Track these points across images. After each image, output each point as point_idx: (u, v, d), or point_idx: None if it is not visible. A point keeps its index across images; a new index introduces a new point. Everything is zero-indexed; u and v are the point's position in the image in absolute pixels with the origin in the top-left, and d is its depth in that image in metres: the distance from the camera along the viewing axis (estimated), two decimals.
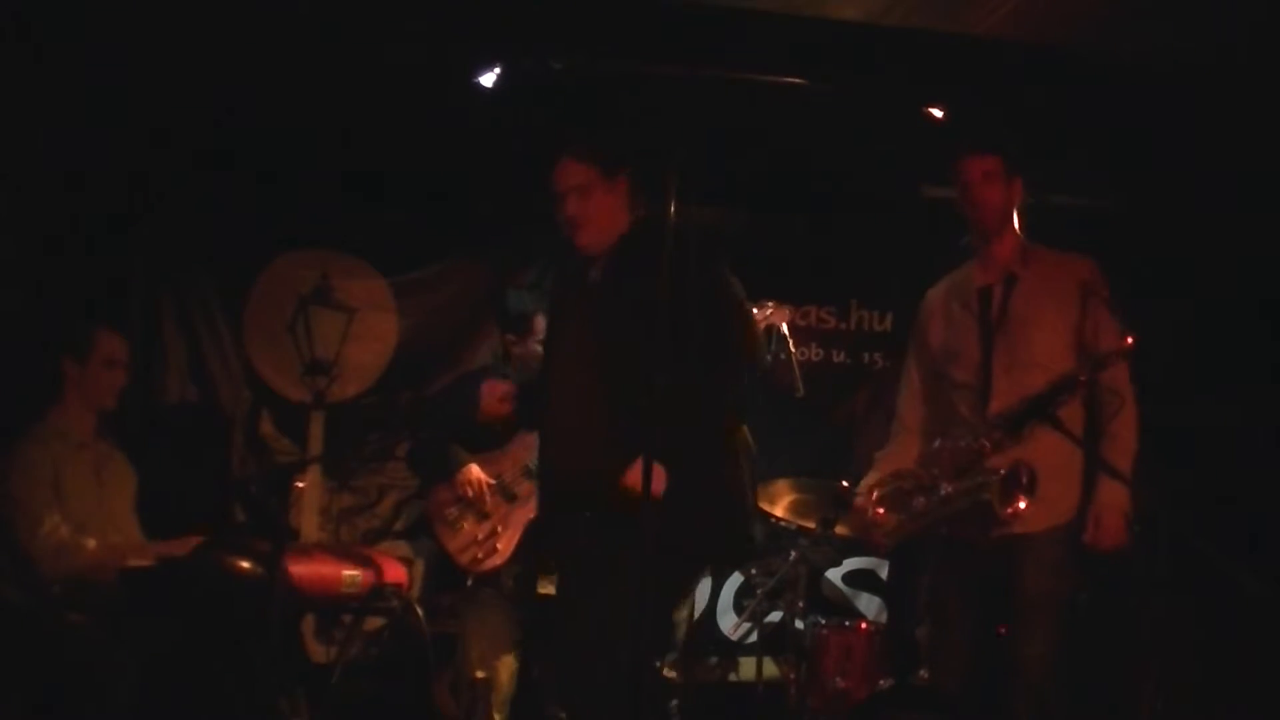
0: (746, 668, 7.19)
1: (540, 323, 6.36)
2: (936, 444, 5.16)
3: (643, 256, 4.46)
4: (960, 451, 5.01)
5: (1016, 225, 5.22)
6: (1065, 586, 5.07)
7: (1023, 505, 4.86)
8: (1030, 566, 4.99)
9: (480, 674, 6.48)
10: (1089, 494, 5.01)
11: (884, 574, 7.73)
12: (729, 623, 7.39)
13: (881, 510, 5.19)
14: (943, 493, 5.03)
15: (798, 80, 6.25)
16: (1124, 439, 5.00)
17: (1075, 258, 5.16)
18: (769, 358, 6.01)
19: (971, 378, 5.10)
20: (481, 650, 6.52)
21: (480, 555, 6.48)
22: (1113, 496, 4.97)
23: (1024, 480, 4.87)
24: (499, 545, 6.46)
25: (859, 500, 5.31)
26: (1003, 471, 4.89)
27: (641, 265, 4.46)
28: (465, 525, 6.52)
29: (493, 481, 6.52)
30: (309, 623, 6.76)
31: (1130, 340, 4.78)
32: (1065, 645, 5.02)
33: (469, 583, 6.57)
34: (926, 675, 6.04)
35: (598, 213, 4.72)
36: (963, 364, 5.16)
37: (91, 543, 5.55)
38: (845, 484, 6.40)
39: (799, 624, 6.46)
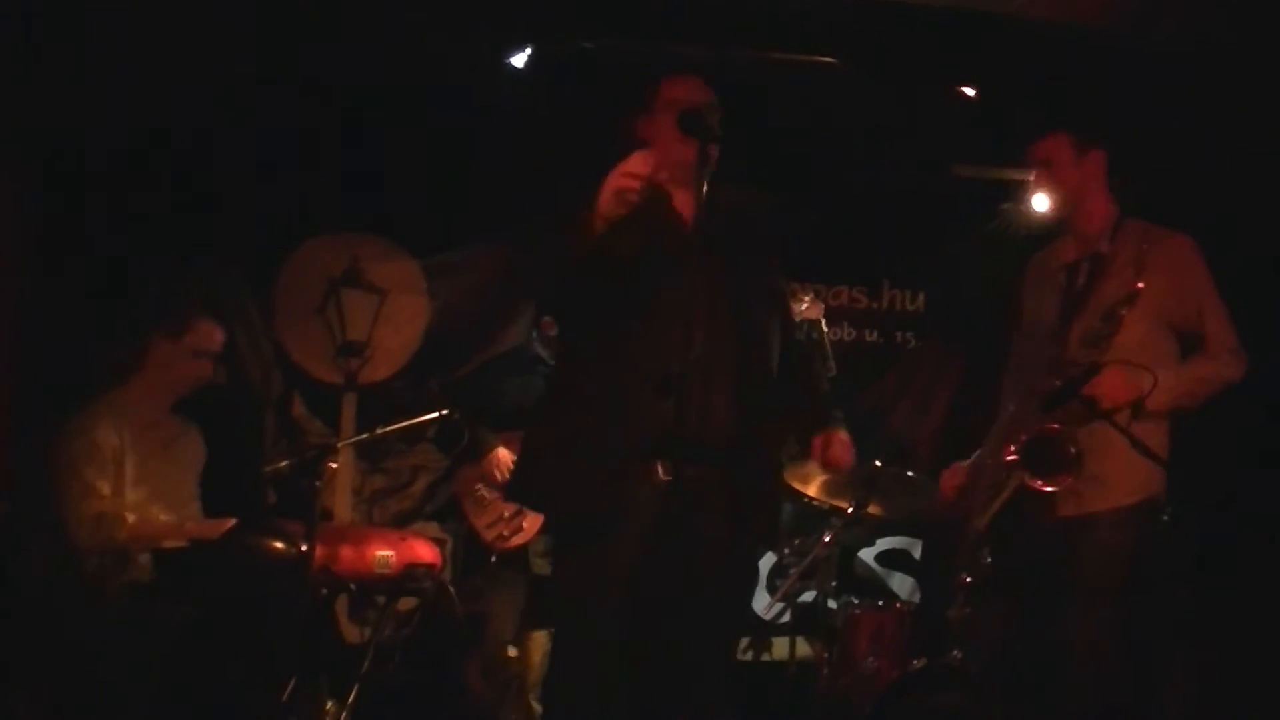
0: (779, 647, 7.18)
1: None
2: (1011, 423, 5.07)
3: (729, 207, 4.39)
4: (1024, 428, 4.93)
5: (1106, 198, 5.11)
6: (1120, 572, 4.88)
7: (1067, 481, 4.76)
8: (1086, 550, 4.85)
9: (512, 653, 6.50)
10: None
11: (917, 554, 7.72)
12: (762, 603, 7.38)
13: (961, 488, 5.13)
14: (1006, 473, 4.95)
15: (828, 60, 6.25)
16: (1202, 373, 4.90)
17: (1175, 237, 5.02)
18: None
19: (1051, 353, 5.00)
20: (511, 629, 6.54)
21: (506, 533, 6.50)
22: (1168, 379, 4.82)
23: (1069, 450, 4.76)
24: (525, 523, 6.47)
25: (948, 477, 5.25)
26: (1022, 438, 4.83)
27: (732, 215, 4.39)
28: (492, 503, 6.53)
29: None
30: (342, 604, 6.78)
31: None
32: (1121, 635, 4.87)
33: (493, 559, 6.59)
34: (959, 655, 6.03)
35: None
36: (1042, 339, 5.06)
37: (131, 517, 5.57)
38: (878, 464, 6.42)
39: (832, 604, 6.46)
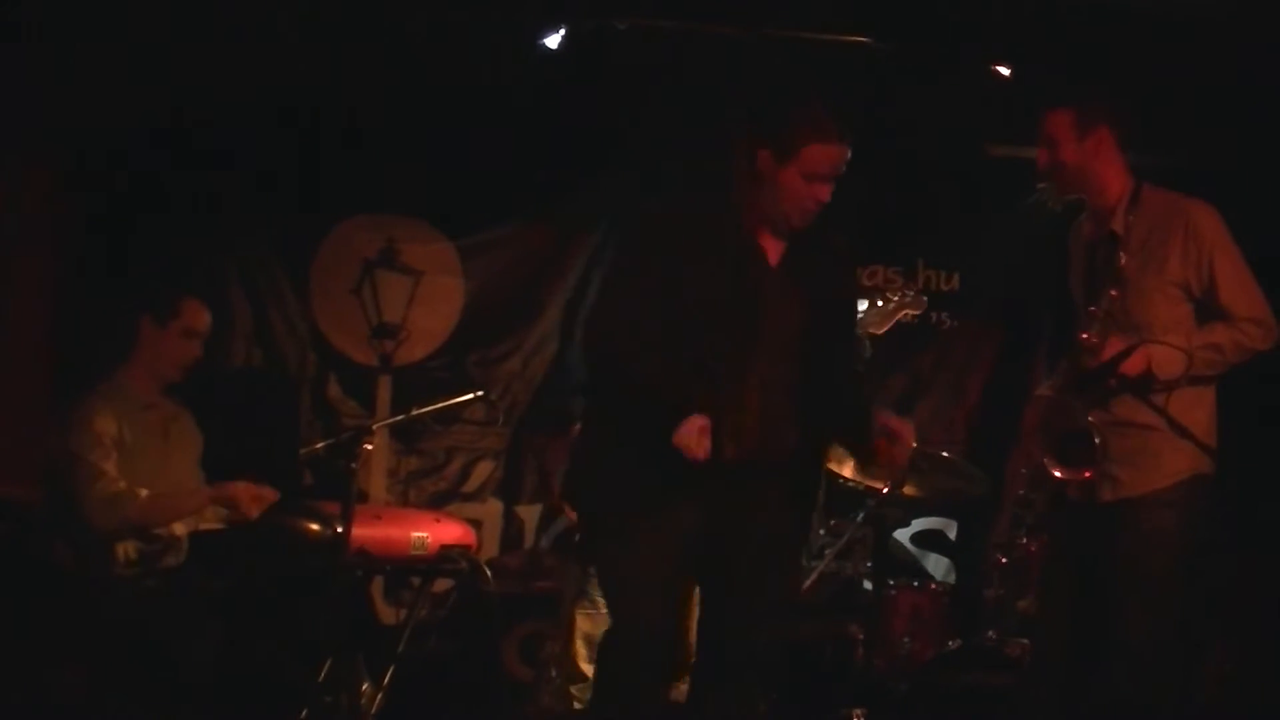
0: (814, 628, 7.17)
1: None
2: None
3: (816, 241, 4.54)
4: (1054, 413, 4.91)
5: (1118, 173, 4.96)
6: (1169, 555, 4.77)
7: (1085, 474, 4.74)
8: (1128, 532, 4.75)
9: (584, 630, 6.46)
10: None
11: (952, 534, 7.71)
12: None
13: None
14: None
15: (861, 39, 6.23)
16: (1215, 339, 4.77)
17: (1189, 202, 4.89)
18: None
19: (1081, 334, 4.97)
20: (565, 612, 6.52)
21: None
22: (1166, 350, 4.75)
23: (1094, 440, 4.73)
24: None
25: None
26: (1059, 435, 4.80)
27: (818, 249, 4.54)
28: None
29: None
30: (377, 585, 6.81)
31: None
32: (1167, 617, 4.79)
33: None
34: (994, 636, 6.03)
35: None
36: (1078, 320, 5.02)
37: (143, 492, 5.58)
38: (913, 444, 6.39)
39: (867, 584, 6.46)
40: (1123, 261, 4.77)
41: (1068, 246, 5.21)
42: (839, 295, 4.63)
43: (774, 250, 4.49)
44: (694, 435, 4.22)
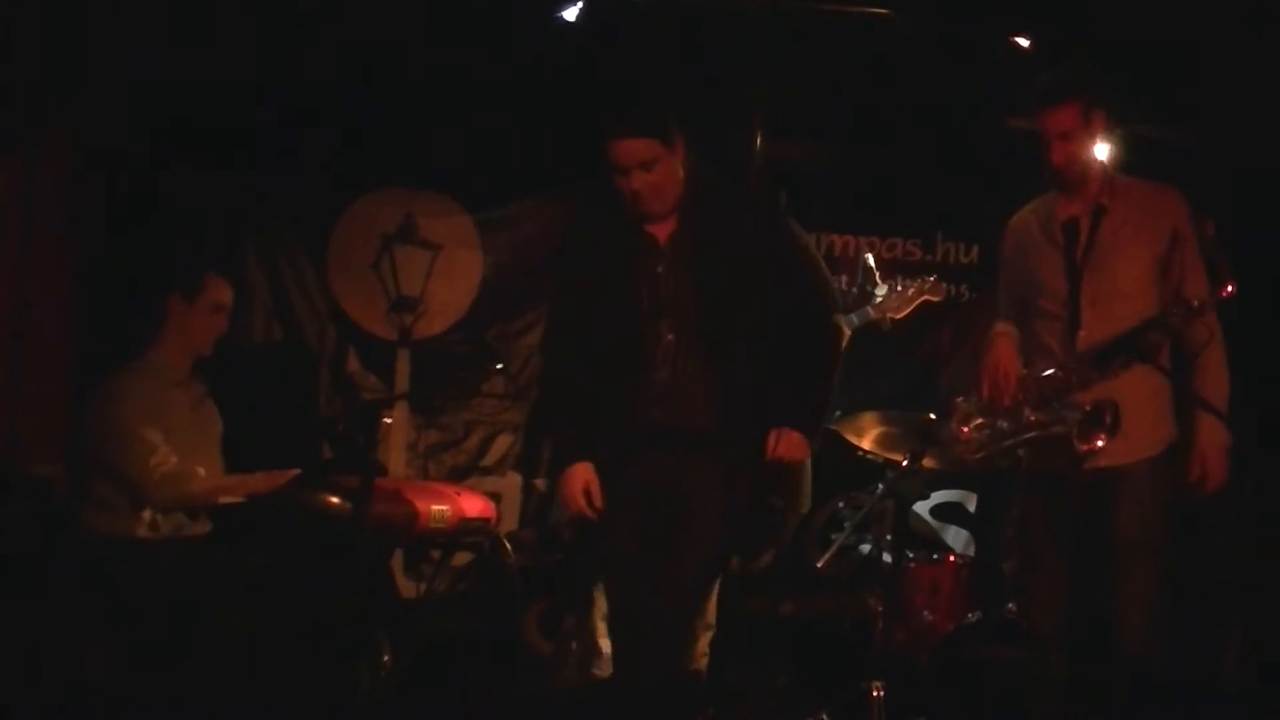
0: (833, 601, 7.17)
1: None
2: (1024, 372, 5.07)
3: (711, 215, 4.73)
4: (1045, 381, 4.94)
5: (1103, 156, 5.10)
6: (1160, 522, 4.89)
7: (1100, 444, 4.77)
8: (1122, 501, 4.83)
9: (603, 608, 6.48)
10: (1187, 433, 4.88)
11: (971, 507, 7.70)
12: (816, 556, 7.37)
13: (966, 429, 5.15)
14: (1025, 419, 4.96)
15: (881, 11, 6.22)
16: (1216, 373, 4.87)
17: (1162, 188, 5.01)
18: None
19: (1059, 309, 4.98)
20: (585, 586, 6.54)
21: None
22: (1213, 435, 4.84)
23: (1107, 420, 4.76)
24: None
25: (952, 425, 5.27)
26: (1087, 408, 4.82)
27: (713, 223, 4.72)
28: None
29: None
30: (397, 558, 6.82)
31: (1231, 288, 4.71)
32: (1162, 583, 4.87)
33: None
34: (1014, 608, 6.02)
35: (665, 182, 4.67)
36: (1049, 296, 5.03)
37: (201, 470, 5.59)
38: (932, 416, 6.40)
39: (886, 557, 6.45)
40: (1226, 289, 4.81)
41: (1015, 238, 5.25)
42: (743, 258, 4.69)
43: (662, 232, 4.72)
44: (574, 493, 4.66)
